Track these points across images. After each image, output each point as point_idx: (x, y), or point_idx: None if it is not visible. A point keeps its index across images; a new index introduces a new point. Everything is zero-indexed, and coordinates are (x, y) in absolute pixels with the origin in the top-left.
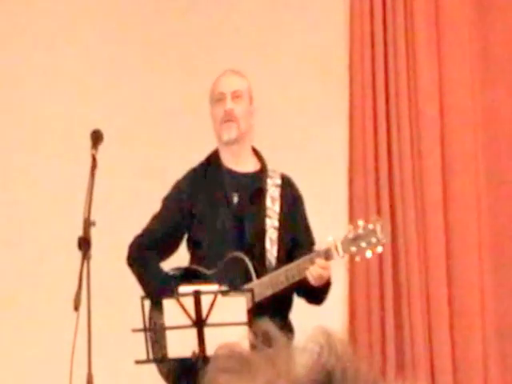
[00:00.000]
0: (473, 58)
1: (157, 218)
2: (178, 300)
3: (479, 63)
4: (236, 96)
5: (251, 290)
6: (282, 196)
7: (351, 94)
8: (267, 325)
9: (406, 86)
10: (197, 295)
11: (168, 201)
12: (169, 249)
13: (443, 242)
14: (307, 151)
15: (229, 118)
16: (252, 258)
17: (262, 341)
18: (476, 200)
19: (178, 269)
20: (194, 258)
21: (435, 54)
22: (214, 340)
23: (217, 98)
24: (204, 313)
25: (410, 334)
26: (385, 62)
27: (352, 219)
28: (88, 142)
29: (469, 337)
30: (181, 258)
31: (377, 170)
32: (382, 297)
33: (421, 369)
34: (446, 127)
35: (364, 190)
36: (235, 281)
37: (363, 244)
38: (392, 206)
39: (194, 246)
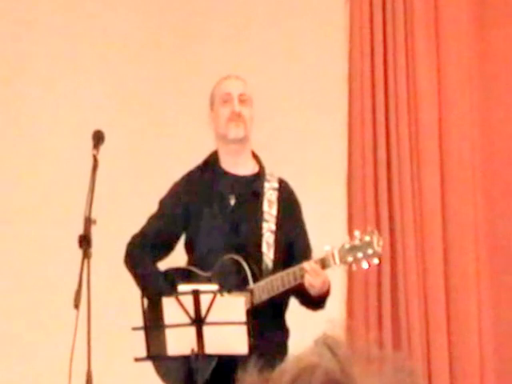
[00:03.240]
0: (471, 64)
1: (154, 219)
2: (178, 299)
3: (478, 69)
4: (242, 100)
5: (250, 291)
6: (279, 200)
7: (350, 102)
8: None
9: (405, 95)
10: (196, 294)
11: (165, 202)
12: (165, 249)
13: (441, 249)
14: (306, 159)
15: (237, 118)
16: (248, 261)
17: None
18: (474, 208)
19: (174, 269)
20: (190, 259)
21: (434, 62)
22: (213, 338)
23: (223, 99)
24: (203, 312)
25: (407, 339)
26: (384, 69)
27: (351, 227)
28: (90, 143)
29: (466, 340)
30: (178, 258)
31: (376, 178)
32: (379, 302)
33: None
34: (444, 135)
35: (363, 197)
36: (231, 283)
37: (360, 254)
38: (391, 214)
39: (190, 248)
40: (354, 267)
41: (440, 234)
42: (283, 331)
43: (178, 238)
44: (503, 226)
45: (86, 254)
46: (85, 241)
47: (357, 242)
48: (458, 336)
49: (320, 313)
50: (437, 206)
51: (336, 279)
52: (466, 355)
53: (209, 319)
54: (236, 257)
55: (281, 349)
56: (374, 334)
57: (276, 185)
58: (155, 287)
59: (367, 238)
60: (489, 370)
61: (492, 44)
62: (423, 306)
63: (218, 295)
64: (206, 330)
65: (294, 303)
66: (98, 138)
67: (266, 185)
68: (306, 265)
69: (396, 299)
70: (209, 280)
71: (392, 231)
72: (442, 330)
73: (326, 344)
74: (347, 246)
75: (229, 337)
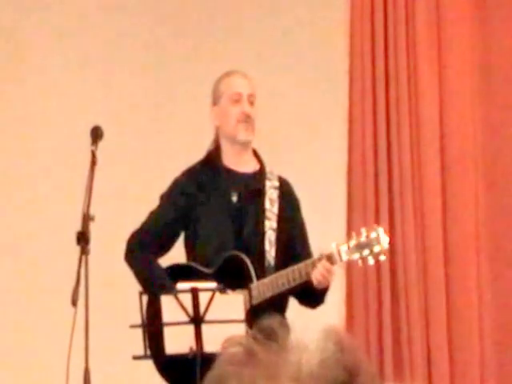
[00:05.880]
0: (473, 61)
1: (154, 215)
2: (176, 296)
3: (479, 62)
4: (251, 101)
5: (249, 289)
6: (281, 198)
7: (351, 98)
8: (273, 321)
9: (406, 91)
10: (194, 292)
11: (166, 198)
12: (165, 245)
13: (441, 246)
14: (306, 155)
15: (247, 119)
16: (251, 258)
17: (267, 337)
18: (474, 205)
19: (176, 266)
20: (190, 255)
21: (436, 58)
22: (212, 337)
23: (233, 99)
24: (202, 310)
25: (407, 334)
26: (385, 66)
27: (350, 224)
28: (88, 139)
29: (466, 339)
30: (178, 255)
31: (376, 174)
32: (379, 300)
33: (418, 371)
34: (445, 132)
35: (363, 193)
36: (234, 280)
37: (366, 251)
38: (391, 211)
39: (191, 244)
40: (360, 263)
41: (440, 229)
42: None
43: (178, 234)
44: (505, 218)
45: (84, 251)
46: (83, 238)
47: (363, 239)
48: (458, 330)
49: (320, 310)
50: (437, 201)
51: (336, 272)
52: (466, 350)
53: (207, 317)
54: (239, 254)
55: None
56: (373, 331)
57: (277, 183)
58: (157, 284)
59: (373, 235)
60: (490, 364)
61: (494, 39)
62: (423, 301)
63: (217, 293)
64: (204, 328)
65: (294, 302)
66: (97, 134)
67: (267, 183)
68: (315, 272)
69: (396, 295)
70: (211, 277)
71: (392, 227)
72: (442, 324)
73: (246, 348)
74: (353, 242)
75: (227, 335)
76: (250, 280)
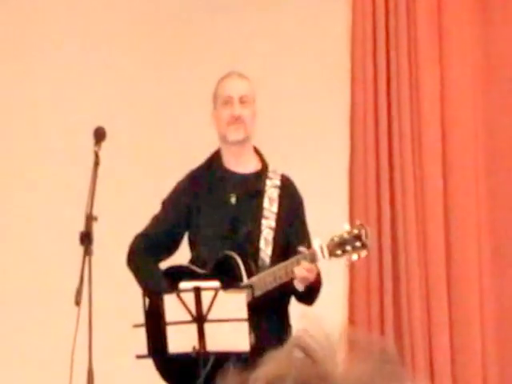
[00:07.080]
0: (475, 58)
1: (157, 220)
2: (179, 296)
3: (481, 64)
4: (243, 101)
5: (251, 287)
6: (281, 197)
7: (352, 93)
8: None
9: (407, 86)
10: (197, 291)
11: (168, 202)
12: (168, 249)
13: (443, 242)
14: (308, 150)
15: (236, 122)
16: (245, 258)
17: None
18: (476, 201)
19: (175, 267)
20: (193, 257)
21: (437, 55)
22: (214, 336)
23: (224, 101)
24: (204, 309)
25: (409, 332)
26: (386, 62)
27: (352, 220)
28: (91, 139)
29: (468, 339)
30: (182, 256)
31: (378, 169)
32: (381, 299)
33: (420, 369)
34: (447, 128)
35: (364, 189)
36: (227, 280)
37: (348, 248)
38: (392, 206)
39: (193, 246)
40: (346, 261)
41: (442, 226)
42: (285, 327)
43: (180, 239)
44: (505, 216)
45: (88, 251)
46: (86, 238)
47: (345, 236)
48: (460, 330)
49: (322, 308)
50: (439, 198)
51: (337, 272)
52: (468, 349)
53: (210, 316)
54: (231, 253)
55: (282, 345)
56: (375, 328)
57: (278, 182)
58: (157, 289)
59: (355, 231)
60: (492, 364)
61: (495, 36)
62: (425, 301)
63: (220, 292)
64: (207, 327)
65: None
66: (100, 135)
67: (268, 182)
68: (296, 270)
69: (397, 294)
70: (206, 277)
71: (393, 223)
72: (444, 324)
73: (300, 346)
74: (336, 239)
75: (230, 334)
76: (241, 280)
